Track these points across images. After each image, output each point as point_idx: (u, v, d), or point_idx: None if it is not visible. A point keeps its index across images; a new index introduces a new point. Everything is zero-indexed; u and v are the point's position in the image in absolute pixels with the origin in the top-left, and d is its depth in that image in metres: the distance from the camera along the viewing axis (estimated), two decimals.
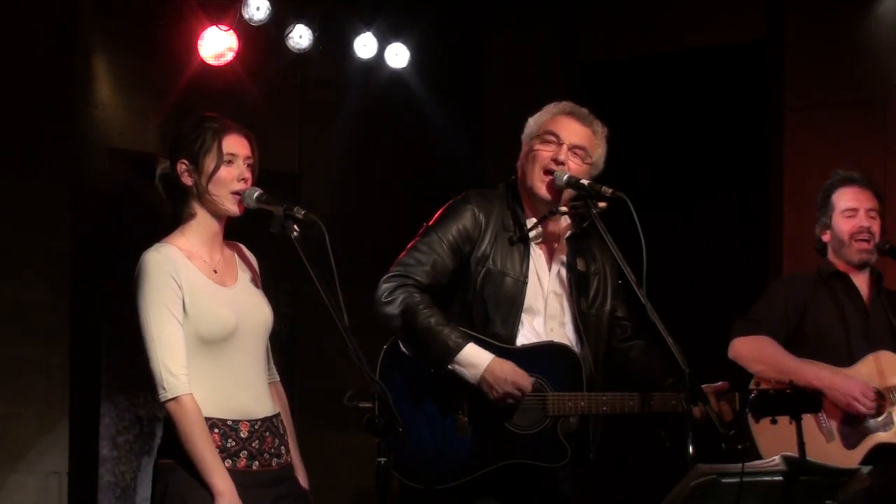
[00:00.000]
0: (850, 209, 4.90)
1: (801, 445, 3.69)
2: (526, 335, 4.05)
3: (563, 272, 4.15)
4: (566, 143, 4.09)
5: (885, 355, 4.80)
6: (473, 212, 4.07)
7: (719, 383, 4.02)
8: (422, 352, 3.96)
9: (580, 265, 4.17)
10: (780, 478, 3.30)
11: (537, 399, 3.97)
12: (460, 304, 4.07)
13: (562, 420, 3.99)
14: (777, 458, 3.31)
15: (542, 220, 4.11)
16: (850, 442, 4.70)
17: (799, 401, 3.93)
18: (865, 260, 4.90)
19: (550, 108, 4.18)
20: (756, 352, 4.82)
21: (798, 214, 6.67)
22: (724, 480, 3.24)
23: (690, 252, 6.85)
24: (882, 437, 4.71)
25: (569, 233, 4.17)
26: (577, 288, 4.14)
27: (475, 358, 3.92)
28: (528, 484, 4.05)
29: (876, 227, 4.90)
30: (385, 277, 4.02)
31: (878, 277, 4.97)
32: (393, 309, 3.96)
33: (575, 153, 4.09)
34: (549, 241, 4.16)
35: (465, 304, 4.06)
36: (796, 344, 4.85)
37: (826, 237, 4.97)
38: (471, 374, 3.91)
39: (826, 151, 6.61)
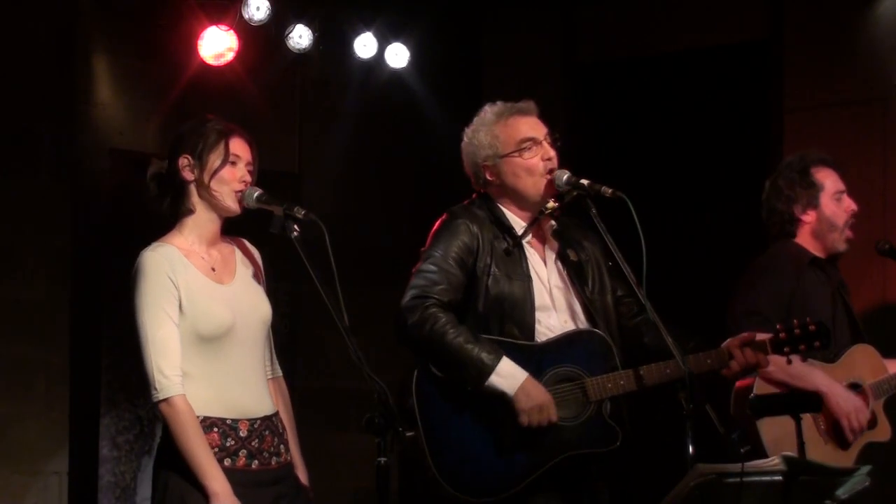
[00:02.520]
0: (840, 191, 4.82)
1: (801, 445, 3.70)
2: (544, 333, 4.07)
3: (559, 266, 4.19)
4: (544, 140, 4.15)
5: (865, 349, 4.76)
6: (467, 225, 4.09)
7: (744, 334, 4.06)
8: (456, 372, 3.95)
9: (572, 255, 4.21)
10: (780, 478, 3.29)
11: (577, 388, 4.01)
12: (474, 316, 4.07)
13: (604, 403, 4.02)
14: (777, 458, 3.31)
15: (533, 224, 4.15)
16: (844, 443, 4.70)
17: (799, 401, 3.93)
18: (847, 248, 4.82)
19: (501, 120, 4.19)
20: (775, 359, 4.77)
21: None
22: (724, 480, 3.24)
23: (690, 252, 6.85)
24: (869, 435, 4.69)
25: (553, 228, 4.21)
26: (577, 278, 4.18)
27: (513, 369, 3.94)
28: (580, 473, 4.08)
29: None
30: (405, 303, 3.98)
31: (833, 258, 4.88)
32: (421, 332, 3.93)
33: (552, 143, 4.15)
34: (539, 239, 4.20)
35: (478, 315, 4.05)
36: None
37: (808, 217, 4.83)
38: (508, 385, 3.92)
39: (826, 151, 6.59)
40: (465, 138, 4.24)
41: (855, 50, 6.64)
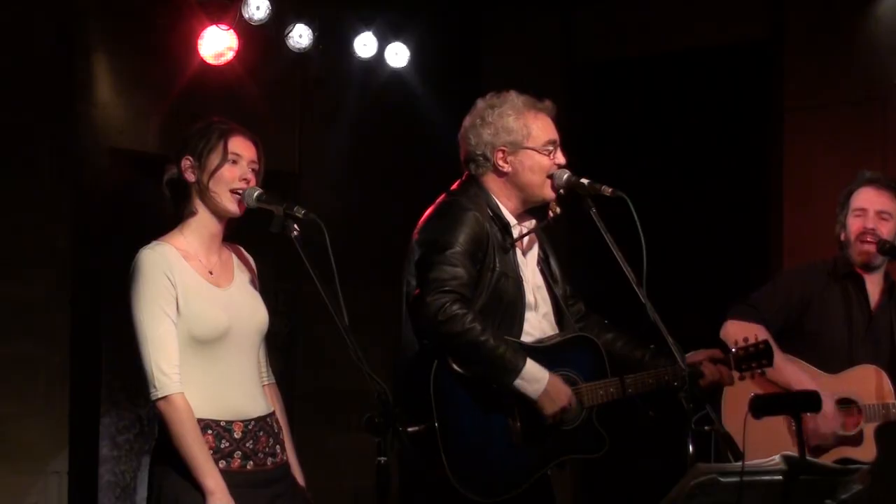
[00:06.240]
0: (860, 209, 4.90)
1: (801, 444, 3.68)
2: (528, 331, 4.09)
3: (539, 265, 4.22)
4: (558, 142, 4.15)
5: (873, 370, 4.79)
6: (477, 218, 4.04)
7: (711, 350, 4.19)
8: (484, 371, 3.95)
9: (544, 253, 4.25)
10: (780, 477, 3.29)
11: (575, 393, 4.04)
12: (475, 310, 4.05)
13: (594, 410, 4.07)
14: (777, 458, 3.31)
15: (534, 230, 4.17)
16: (818, 451, 4.69)
17: (799, 400, 3.93)
18: (866, 261, 4.88)
19: (532, 111, 4.15)
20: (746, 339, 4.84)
21: (798, 214, 6.67)
22: (723, 480, 3.24)
23: (690, 252, 6.86)
24: (849, 451, 4.71)
25: (537, 226, 4.22)
26: (551, 278, 4.23)
27: (537, 373, 3.95)
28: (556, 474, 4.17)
29: (885, 228, 4.87)
30: (431, 294, 3.91)
31: (892, 285, 4.95)
32: (453, 328, 3.88)
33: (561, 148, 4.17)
34: (524, 237, 4.19)
35: (477, 310, 4.01)
36: (794, 337, 4.86)
37: (843, 236, 4.96)
38: (532, 390, 3.95)
39: (826, 151, 6.61)
40: (486, 118, 4.13)
41: (855, 50, 6.65)
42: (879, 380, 4.78)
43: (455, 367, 3.94)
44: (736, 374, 4.24)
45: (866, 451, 4.70)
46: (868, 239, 4.87)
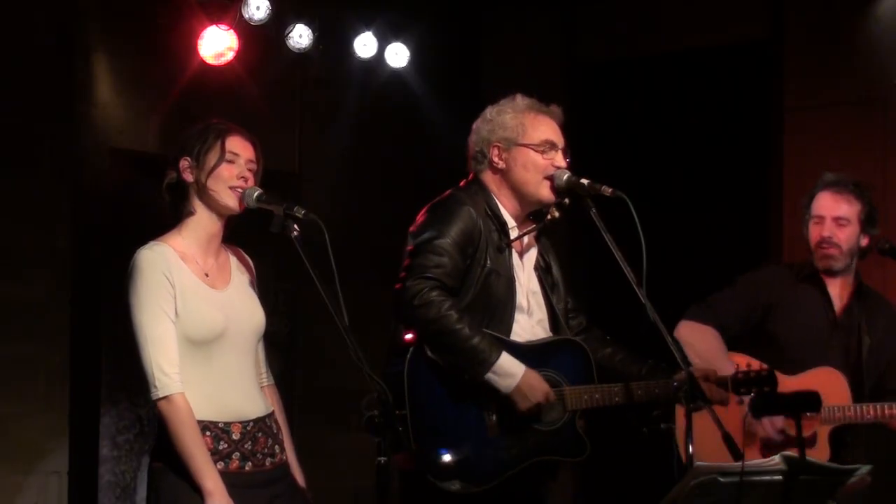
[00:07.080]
0: (818, 216, 4.88)
1: (801, 444, 3.69)
2: (518, 333, 4.09)
3: (536, 271, 4.21)
4: (560, 146, 4.15)
5: (830, 373, 4.78)
6: (471, 213, 4.06)
7: (705, 369, 4.16)
8: (456, 360, 3.95)
9: (544, 261, 4.25)
10: (780, 477, 3.29)
11: (557, 395, 4.03)
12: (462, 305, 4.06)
13: (577, 414, 4.06)
14: (777, 458, 3.32)
15: (531, 230, 4.17)
16: (770, 451, 4.67)
17: (799, 401, 3.94)
18: (828, 268, 4.87)
19: (532, 112, 4.17)
20: (696, 341, 4.79)
21: (798, 214, 6.66)
22: (723, 480, 3.24)
23: (690, 252, 6.85)
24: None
25: (534, 234, 4.22)
26: (548, 284, 4.22)
27: (510, 368, 3.94)
28: (542, 479, 4.15)
29: (843, 234, 4.84)
30: (412, 279, 3.94)
31: (860, 285, 4.93)
32: (427, 313, 3.90)
33: (565, 155, 4.16)
34: (521, 241, 4.20)
35: (464, 306, 4.02)
36: (756, 339, 4.86)
37: (807, 238, 4.96)
38: (504, 385, 3.94)
39: (826, 151, 6.61)
40: (487, 115, 4.19)
41: (855, 50, 6.65)
42: (837, 382, 4.76)
43: (431, 355, 3.96)
44: (733, 397, 4.21)
45: (820, 453, 4.69)
46: (825, 246, 4.86)
